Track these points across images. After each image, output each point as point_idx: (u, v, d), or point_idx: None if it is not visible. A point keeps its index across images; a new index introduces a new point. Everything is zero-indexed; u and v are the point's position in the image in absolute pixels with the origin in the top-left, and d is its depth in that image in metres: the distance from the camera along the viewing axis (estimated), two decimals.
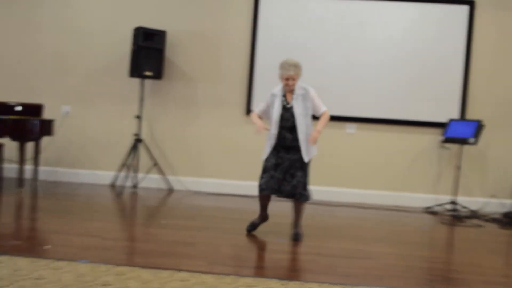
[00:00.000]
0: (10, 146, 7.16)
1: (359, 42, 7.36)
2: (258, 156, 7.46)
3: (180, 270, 3.82)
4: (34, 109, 7.14)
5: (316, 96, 5.13)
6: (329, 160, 7.41)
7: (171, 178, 7.61)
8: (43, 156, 7.56)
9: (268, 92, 5.30)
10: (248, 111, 7.47)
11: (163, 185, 7.59)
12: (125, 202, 6.61)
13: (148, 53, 7.26)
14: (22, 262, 3.80)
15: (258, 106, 5.32)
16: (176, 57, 7.64)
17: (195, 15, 7.60)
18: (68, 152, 7.78)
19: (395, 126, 7.38)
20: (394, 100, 7.32)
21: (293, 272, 4.00)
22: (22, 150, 6.65)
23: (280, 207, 6.07)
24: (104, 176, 7.70)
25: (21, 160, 6.65)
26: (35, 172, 7.27)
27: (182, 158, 7.63)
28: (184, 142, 7.62)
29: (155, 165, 7.48)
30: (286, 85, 5.06)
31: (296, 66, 5.05)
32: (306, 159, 5.00)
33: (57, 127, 7.54)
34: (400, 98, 7.32)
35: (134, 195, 7.02)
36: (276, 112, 5.01)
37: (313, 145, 5.07)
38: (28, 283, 3.39)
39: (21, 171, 6.65)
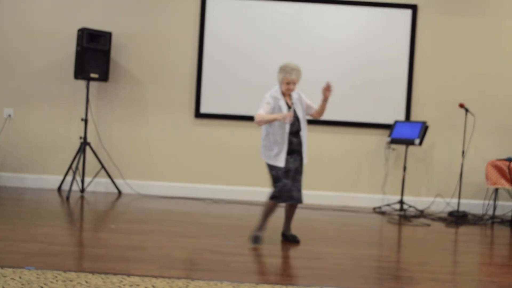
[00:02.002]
0: None
1: (306, 45, 7.42)
2: (207, 158, 7.47)
3: (130, 274, 3.77)
4: None
5: (307, 98, 5.28)
6: None
7: (119, 181, 7.49)
8: None
9: (266, 94, 5.18)
10: (197, 112, 7.43)
11: (111, 189, 7.46)
12: (72, 206, 6.47)
13: (93, 54, 7.13)
14: None
15: (261, 108, 5.04)
16: (123, 59, 7.53)
17: (141, 16, 7.51)
18: (12, 156, 7.56)
19: (343, 128, 7.47)
20: (342, 102, 7.40)
21: (245, 274, 3.99)
22: None
23: (223, 209, 6.08)
24: (51, 180, 7.51)
25: None
26: None
27: (130, 161, 7.52)
28: (132, 144, 7.52)
29: (102, 168, 7.35)
30: (287, 89, 5.05)
31: (298, 71, 5.08)
32: (305, 161, 5.11)
33: None
34: (347, 100, 7.41)
35: (81, 199, 6.87)
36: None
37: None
38: None
39: None
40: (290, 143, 4.95)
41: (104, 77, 7.24)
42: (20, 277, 3.59)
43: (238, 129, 7.48)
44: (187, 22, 7.49)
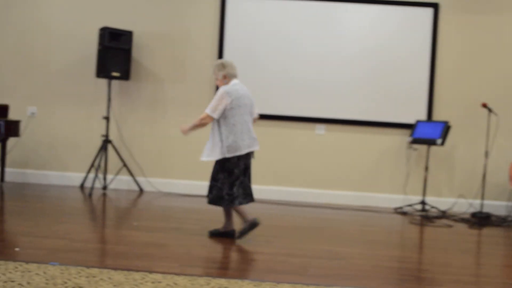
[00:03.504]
0: None
1: (328, 44, 7.41)
2: None
3: (152, 271, 3.79)
4: None
5: (218, 98, 4.87)
6: (299, 161, 7.45)
7: (140, 179, 7.55)
8: (9, 157, 7.44)
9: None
10: None
11: (133, 187, 7.52)
12: (95, 203, 6.53)
13: (114, 53, 7.19)
14: None
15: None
16: (143, 58, 7.58)
17: (162, 15, 7.55)
18: (36, 154, 7.65)
19: (365, 127, 7.44)
20: (363, 102, 7.38)
21: (265, 273, 4.00)
22: None
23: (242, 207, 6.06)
24: (73, 177, 7.60)
25: None
26: (2, 173, 7.14)
27: (151, 159, 7.57)
28: (153, 143, 7.57)
29: (124, 166, 7.41)
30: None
31: (214, 66, 5.11)
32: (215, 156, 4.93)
33: (23, 128, 7.42)
34: (368, 99, 7.38)
35: (103, 196, 6.94)
36: None
37: (212, 149, 4.96)
38: None
39: None
40: None
41: (125, 75, 7.30)
42: (44, 272, 3.63)
43: (258, 128, 7.47)
44: (208, 20, 7.52)
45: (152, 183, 7.54)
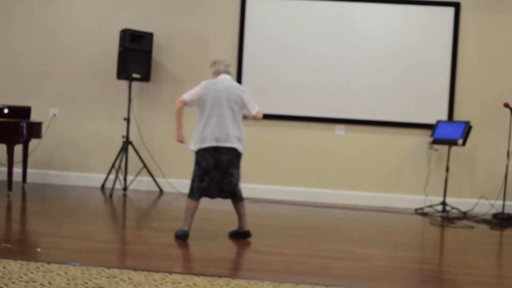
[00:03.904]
0: None
1: (348, 44, 7.38)
2: (246, 158, 7.48)
3: (172, 272, 3.81)
4: (21, 112, 7.09)
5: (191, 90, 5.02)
6: (318, 161, 7.43)
7: (160, 180, 7.59)
8: (32, 158, 7.53)
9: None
10: None
11: (153, 188, 7.56)
12: (115, 204, 6.58)
13: (135, 55, 7.24)
14: (13, 265, 3.77)
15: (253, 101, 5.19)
16: (164, 59, 7.62)
17: (181, 16, 7.59)
18: (57, 155, 7.74)
19: (384, 128, 7.40)
20: (382, 102, 7.35)
21: (285, 274, 3.99)
22: (10, 152, 6.58)
23: (262, 209, 6.09)
24: (94, 178, 7.66)
25: (10, 163, 6.58)
26: (24, 174, 7.23)
27: (171, 160, 7.61)
28: (173, 144, 7.58)
29: (144, 167, 7.45)
30: None
31: (210, 63, 5.29)
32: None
33: (45, 130, 7.50)
34: (388, 99, 7.35)
35: (124, 197, 6.99)
36: None
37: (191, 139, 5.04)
38: (20, 286, 3.37)
39: (9, 173, 6.58)
40: None
41: (146, 77, 7.34)
42: (65, 273, 3.67)
43: (278, 128, 7.48)
44: (227, 21, 7.54)
45: (172, 184, 7.58)
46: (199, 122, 4.95)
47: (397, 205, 7.34)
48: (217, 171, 4.88)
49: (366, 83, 7.37)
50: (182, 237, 4.87)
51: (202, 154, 4.86)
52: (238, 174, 5.01)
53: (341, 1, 7.38)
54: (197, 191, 4.89)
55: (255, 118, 5.14)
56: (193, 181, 4.92)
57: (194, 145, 4.93)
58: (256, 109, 5.09)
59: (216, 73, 5.12)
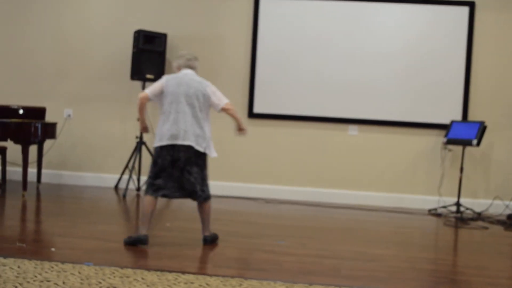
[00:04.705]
0: (13, 149, 7.18)
1: (361, 44, 7.36)
2: (260, 158, 7.50)
3: (185, 272, 3.83)
4: (36, 112, 7.14)
5: (156, 82, 4.81)
6: (331, 161, 7.42)
7: None
8: (46, 159, 7.58)
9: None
10: (250, 112, 7.48)
11: None
12: (129, 204, 6.61)
13: (149, 56, 7.27)
14: (27, 265, 3.81)
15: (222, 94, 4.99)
16: None
17: (195, 16, 7.61)
18: (71, 155, 7.79)
19: (398, 128, 7.37)
20: (396, 102, 7.32)
21: (298, 274, 3.99)
22: (25, 153, 6.64)
23: (275, 209, 6.07)
24: (108, 179, 7.70)
25: (25, 163, 6.64)
26: (39, 175, 7.28)
27: None
28: None
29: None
30: None
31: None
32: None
33: (59, 130, 7.55)
34: (402, 99, 7.31)
35: (137, 197, 7.02)
36: None
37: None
38: (34, 285, 3.40)
39: (24, 174, 6.64)
40: None
41: (159, 77, 7.25)
42: (79, 272, 3.70)
43: (290, 129, 7.48)
44: (241, 21, 7.55)
45: None
46: (160, 118, 4.75)
47: (410, 206, 7.30)
48: (174, 169, 4.66)
49: (380, 83, 7.34)
50: (140, 243, 4.58)
51: (159, 151, 4.65)
52: (199, 173, 4.73)
53: (354, 0, 7.35)
54: (151, 187, 4.66)
55: (225, 111, 4.90)
56: (148, 177, 4.71)
57: (155, 142, 4.71)
58: (224, 102, 4.86)
59: (179, 68, 4.90)
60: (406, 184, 7.37)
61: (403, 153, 7.37)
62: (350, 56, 7.38)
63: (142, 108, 4.77)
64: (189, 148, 4.64)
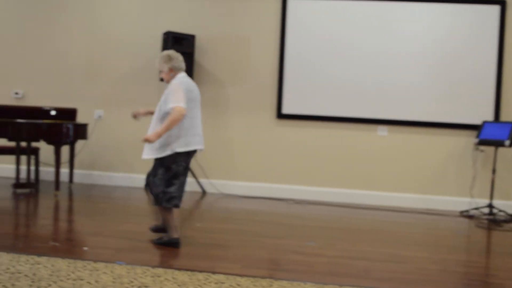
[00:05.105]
0: (46, 149, 7.31)
1: (391, 43, 7.30)
2: (289, 159, 7.49)
3: (215, 272, 3.84)
4: (68, 114, 7.25)
5: (175, 90, 4.44)
6: (361, 162, 7.38)
7: (203, 181, 7.65)
8: (78, 159, 7.69)
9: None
10: (279, 113, 7.48)
11: (195, 188, 7.63)
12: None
13: None
14: (61, 263, 3.87)
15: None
16: (206, 61, 7.68)
17: (223, 18, 7.64)
18: (102, 156, 7.89)
19: (428, 129, 7.30)
20: (427, 102, 7.24)
21: (327, 275, 3.98)
22: (57, 153, 6.75)
23: (304, 210, 6.06)
24: (138, 179, 7.78)
25: (57, 163, 6.75)
26: (71, 175, 7.39)
27: (213, 161, 7.66)
28: (216, 145, 7.66)
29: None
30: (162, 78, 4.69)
31: (160, 57, 4.61)
32: (145, 156, 4.58)
33: (90, 131, 7.65)
34: (433, 100, 7.24)
35: None
36: None
37: (155, 143, 4.51)
38: (67, 284, 3.45)
39: (57, 174, 6.75)
40: None
41: None
42: (111, 271, 3.74)
43: (319, 130, 7.46)
44: (268, 22, 7.56)
45: (214, 184, 7.64)
46: (182, 124, 4.48)
47: (442, 207, 7.22)
48: (185, 176, 4.66)
49: (410, 83, 7.28)
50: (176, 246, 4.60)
51: (176, 157, 4.50)
52: None
53: (383, 0, 7.30)
54: (164, 198, 4.54)
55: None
56: (158, 186, 4.55)
57: (176, 147, 4.50)
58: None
59: (173, 70, 4.60)
60: (437, 186, 7.29)
61: (434, 154, 7.29)
62: (380, 57, 7.32)
63: (176, 123, 4.41)
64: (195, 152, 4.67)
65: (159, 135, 4.38)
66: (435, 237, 5.57)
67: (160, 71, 4.66)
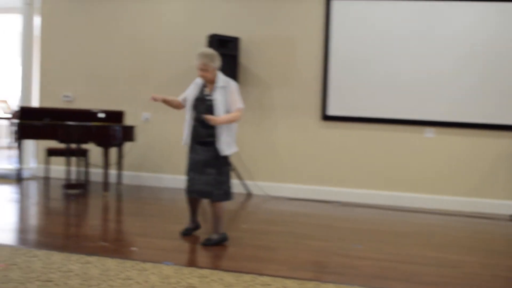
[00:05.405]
0: (95, 151, 7.47)
1: (436, 44, 7.18)
2: (335, 161, 7.46)
3: (262, 274, 3.86)
4: (116, 116, 7.40)
5: (236, 92, 4.80)
6: (407, 165, 7.29)
7: (249, 183, 7.69)
8: (126, 161, 7.82)
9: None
10: (324, 115, 7.46)
11: (241, 190, 7.67)
12: (205, 206, 6.70)
13: (223, 59, 7.30)
14: (110, 263, 3.95)
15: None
16: (250, 63, 7.72)
17: (267, 20, 7.66)
18: (149, 157, 8.02)
19: (477, 130, 7.15)
20: (475, 103, 7.10)
21: (374, 279, 3.95)
22: (106, 155, 6.90)
23: (350, 212, 6.01)
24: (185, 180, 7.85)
25: (106, 165, 6.90)
26: (119, 176, 7.53)
27: (260, 163, 7.69)
28: (261, 147, 7.68)
29: (233, 170, 7.57)
30: (199, 76, 4.77)
31: (206, 56, 4.70)
32: (222, 153, 4.68)
33: (138, 133, 7.78)
34: (482, 101, 7.08)
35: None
36: (190, 101, 4.82)
37: (229, 142, 4.73)
38: (117, 283, 3.53)
39: (106, 175, 6.90)
40: (196, 132, 4.76)
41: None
42: (159, 272, 3.81)
43: (365, 132, 7.40)
44: (313, 24, 7.54)
45: (261, 186, 7.66)
46: (230, 126, 4.75)
47: (491, 211, 7.06)
48: None
49: (458, 83, 7.15)
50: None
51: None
52: None
53: (430, 0, 7.20)
54: (230, 193, 4.86)
55: None
56: (226, 182, 4.78)
57: (232, 148, 4.79)
58: None
59: (215, 69, 4.81)
60: (486, 188, 7.14)
61: (483, 156, 7.14)
62: (426, 57, 7.22)
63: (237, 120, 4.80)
64: None
65: (221, 122, 4.59)
66: (485, 241, 5.46)
67: (204, 69, 4.71)
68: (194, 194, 4.80)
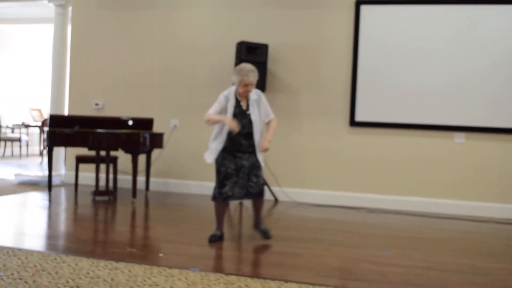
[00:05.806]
0: (124, 158, 7.55)
1: (466, 48, 7.10)
2: (362, 167, 7.41)
3: (288, 281, 3.84)
4: (144, 123, 7.46)
5: (267, 102, 5.20)
6: (437, 170, 7.20)
7: (275, 189, 7.68)
8: (154, 167, 7.89)
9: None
10: (352, 121, 7.41)
11: (268, 196, 7.66)
12: (232, 213, 6.73)
13: None
14: (137, 269, 3.98)
15: (212, 107, 5.14)
16: (278, 70, 7.72)
17: (296, 27, 7.66)
18: (177, 164, 8.07)
19: (507, 135, 7.03)
20: (505, 108, 6.98)
21: (402, 286, 3.90)
22: (134, 162, 6.96)
23: (377, 218, 5.94)
24: (212, 187, 7.86)
25: (134, 172, 6.96)
26: (147, 183, 7.60)
27: (286, 169, 7.68)
28: (288, 153, 7.67)
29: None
30: (245, 92, 4.95)
31: (255, 72, 4.95)
32: (262, 164, 5.11)
33: (166, 140, 7.84)
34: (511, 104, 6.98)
35: (240, 205, 7.14)
36: (230, 117, 4.98)
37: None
38: None
39: (134, 182, 6.96)
40: (239, 144, 4.99)
41: (261, 87, 7.45)
42: (186, 278, 3.82)
43: (393, 137, 7.34)
44: (341, 30, 7.51)
45: (287, 193, 7.65)
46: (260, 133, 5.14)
47: None
48: None
49: (488, 87, 7.04)
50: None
51: None
52: None
53: (457, 4, 7.12)
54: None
55: None
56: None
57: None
58: None
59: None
60: None
61: None
62: (456, 61, 7.13)
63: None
64: None
65: (271, 141, 5.10)
66: None
67: (250, 85, 4.94)
68: (245, 196, 5.07)
